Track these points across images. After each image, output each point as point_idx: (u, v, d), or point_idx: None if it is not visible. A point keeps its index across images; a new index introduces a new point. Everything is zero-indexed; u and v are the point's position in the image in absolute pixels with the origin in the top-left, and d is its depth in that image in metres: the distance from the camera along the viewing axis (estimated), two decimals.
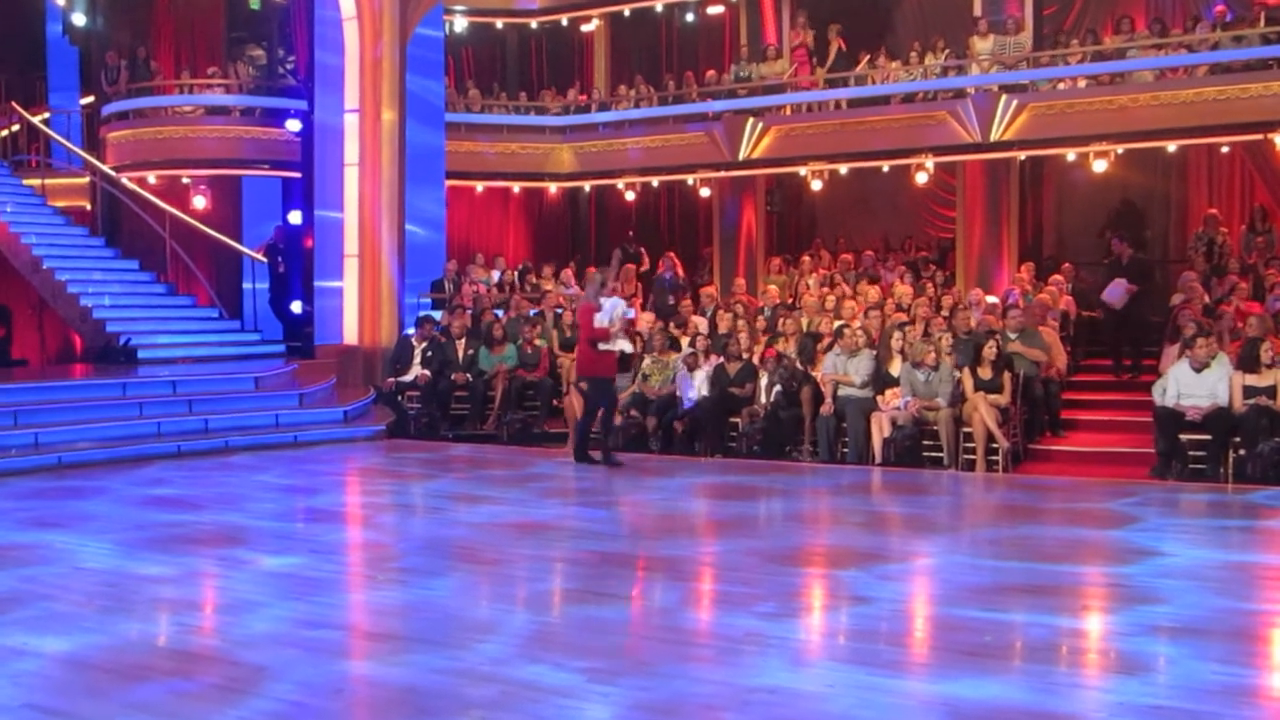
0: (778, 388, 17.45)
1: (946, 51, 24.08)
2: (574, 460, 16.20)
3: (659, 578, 9.62)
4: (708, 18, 27.57)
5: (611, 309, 17.06)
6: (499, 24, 29.09)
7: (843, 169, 24.68)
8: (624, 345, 17.77)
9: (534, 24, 29.21)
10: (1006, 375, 16.49)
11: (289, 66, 26.28)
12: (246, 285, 24.17)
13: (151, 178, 24.89)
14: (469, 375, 20.12)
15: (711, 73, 26.62)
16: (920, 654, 7.58)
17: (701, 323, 20.99)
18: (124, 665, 7.15)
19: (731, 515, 12.48)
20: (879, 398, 16.80)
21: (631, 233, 28.24)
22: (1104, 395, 19.10)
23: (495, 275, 25.14)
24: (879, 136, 23.63)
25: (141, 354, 20.55)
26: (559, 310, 22.22)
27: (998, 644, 7.50)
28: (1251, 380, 15.04)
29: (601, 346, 16.13)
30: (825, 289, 22.27)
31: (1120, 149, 22.08)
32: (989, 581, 9.13)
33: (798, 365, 17.69)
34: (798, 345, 18.30)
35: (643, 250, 26.62)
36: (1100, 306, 20.19)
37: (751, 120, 24.72)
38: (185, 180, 25.55)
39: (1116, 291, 19.57)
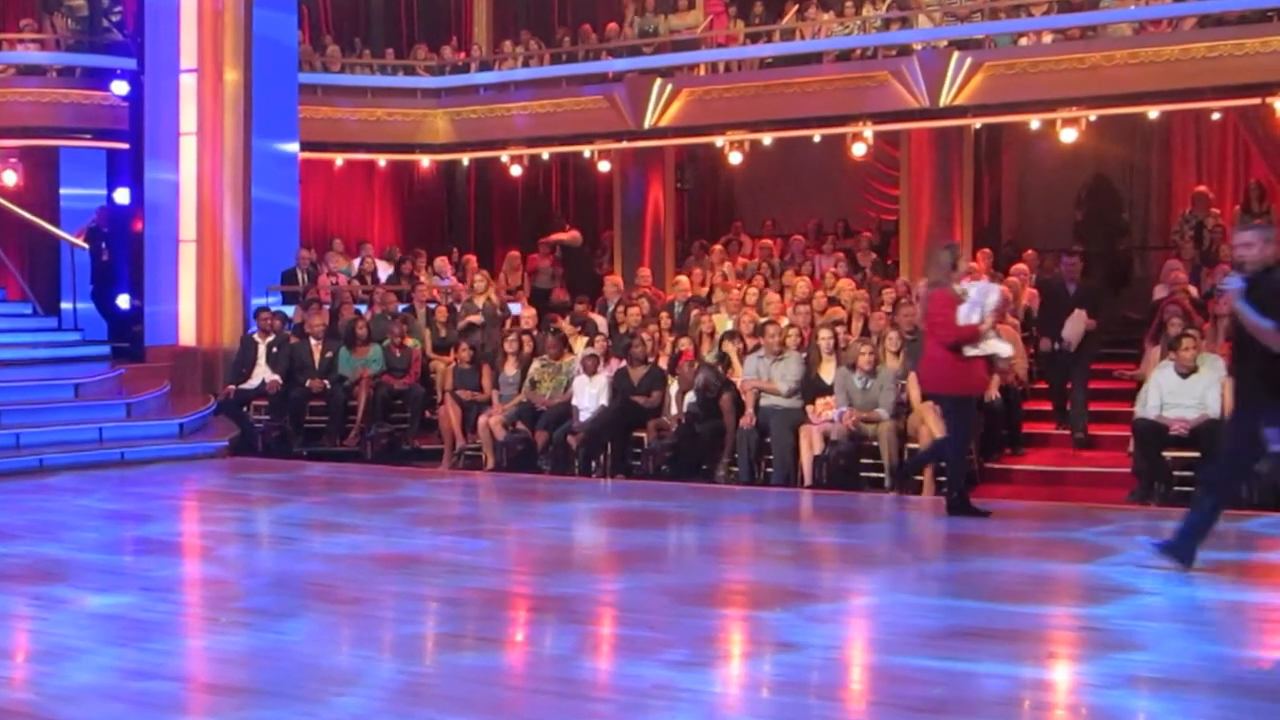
0: (690, 395, 17.42)
1: (888, 1, 24.15)
2: (950, 513, 13.82)
3: (550, 620, 9.62)
4: None
5: (981, 297, 13.85)
6: None
7: (766, 139, 24.72)
8: (1000, 348, 14.26)
9: None
10: None
11: (115, 18, 26.00)
12: (66, 279, 23.85)
13: None
14: (326, 382, 20.04)
15: (612, 26, 26.57)
16: (858, 709, 7.62)
17: (601, 320, 21.00)
18: None
19: (636, 546, 12.51)
20: (809, 408, 16.83)
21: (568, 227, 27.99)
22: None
23: (358, 264, 25.02)
24: (809, 101, 23.56)
25: None
26: (432, 305, 22.16)
27: (949, 698, 7.53)
28: None
29: (968, 351, 13.72)
30: (746, 280, 22.32)
31: (1093, 115, 22.04)
32: (939, 625, 9.19)
33: (719, 370, 17.69)
34: (717, 349, 18.34)
35: (568, 226, 26.71)
36: (1055, 345, 18.32)
37: (659, 82, 24.64)
38: None
39: (1077, 328, 18.10)
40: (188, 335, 22.25)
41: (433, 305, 22.14)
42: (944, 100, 22.27)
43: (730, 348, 18.24)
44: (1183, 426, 15.01)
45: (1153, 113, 22.37)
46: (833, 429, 16.32)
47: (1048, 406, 18.98)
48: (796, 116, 23.76)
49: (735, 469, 17.12)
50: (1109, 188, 25.00)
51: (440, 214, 30.21)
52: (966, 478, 14.31)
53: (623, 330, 19.82)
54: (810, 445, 16.34)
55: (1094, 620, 9.34)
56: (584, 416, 17.90)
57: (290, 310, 21.95)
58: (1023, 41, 22.37)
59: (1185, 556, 10.79)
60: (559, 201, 29.76)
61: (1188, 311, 17.62)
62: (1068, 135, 22.09)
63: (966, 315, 13.63)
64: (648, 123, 24.72)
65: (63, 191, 25.60)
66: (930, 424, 15.77)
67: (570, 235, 27.12)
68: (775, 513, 14.45)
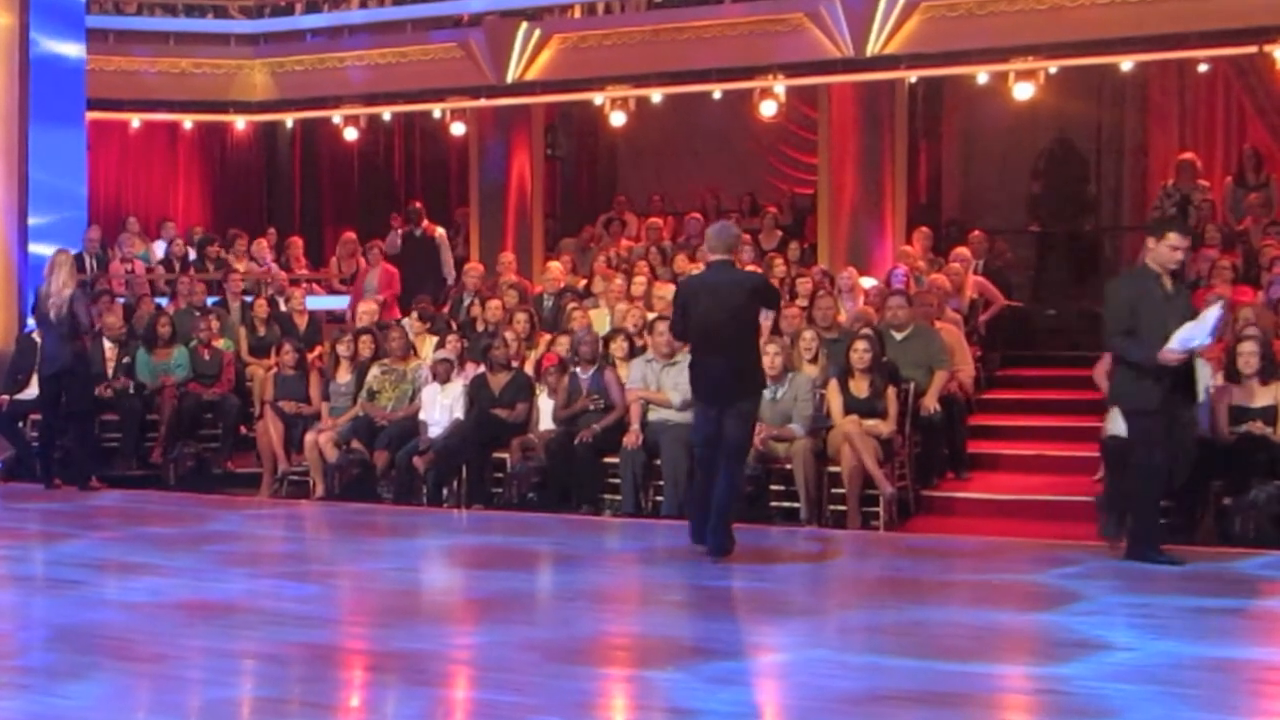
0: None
1: None
2: None
3: (392, 680, 9.62)
4: None
5: None
6: None
7: (655, 96, 24.72)
8: None
9: None
10: (890, 392, 16.32)
11: None
12: None
13: None
14: (121, 384, 19.90)
15: None
16: None
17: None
18: None
19: (497, 592, 12.52)
20: None
21: (420, 204, 27.50)
22: (1030, 419, 19.09)
23: (159, 248, 24.87)
24: (708, 49, 23.53)
25: None
26: (248, 298, 22.05)
27: None
28: (1242, 398, 14.74)
29: None
30: (630, 268, 22.32)
31: (1053, 67, 22.02)
32: (865, 686, 9.20)
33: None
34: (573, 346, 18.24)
35: (419, 206, 26.42)
36: None
37: (525, 25, 24.62)
38: None
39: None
40: None
41: (249, 298, 22.04)
42: (871, 49, 22.22)
43: (617, 349, 18.04)
44: None
45: (1126, 64, 22.40)
46: None
47: (997, 421, 18.97)
48: (692, 69, 23.73)
49: (617, 497, 17.05)
50: (1073, 155, 25.15)
51: (259, 187, 30.13)
52: None
53: (481, 328, 19.78)
54: None
55: (1054, 681, 9.31)
56: (434, 433, 17.85)
57: None
58: None
59: (727, 545, 13.26)
60: (403, 172, 29.70)
61: None
62: (1023, 91, 22.06)
63: None
64: (511, 76, 24.71)
65: None
66: (855, 442, 15.73)
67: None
68: (667, 551, 14.47)
